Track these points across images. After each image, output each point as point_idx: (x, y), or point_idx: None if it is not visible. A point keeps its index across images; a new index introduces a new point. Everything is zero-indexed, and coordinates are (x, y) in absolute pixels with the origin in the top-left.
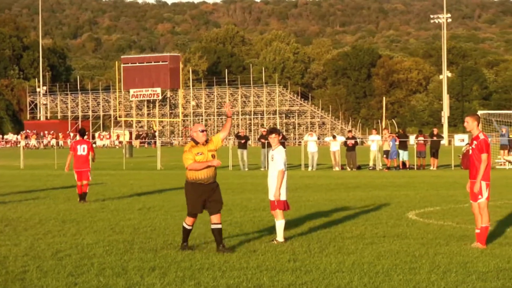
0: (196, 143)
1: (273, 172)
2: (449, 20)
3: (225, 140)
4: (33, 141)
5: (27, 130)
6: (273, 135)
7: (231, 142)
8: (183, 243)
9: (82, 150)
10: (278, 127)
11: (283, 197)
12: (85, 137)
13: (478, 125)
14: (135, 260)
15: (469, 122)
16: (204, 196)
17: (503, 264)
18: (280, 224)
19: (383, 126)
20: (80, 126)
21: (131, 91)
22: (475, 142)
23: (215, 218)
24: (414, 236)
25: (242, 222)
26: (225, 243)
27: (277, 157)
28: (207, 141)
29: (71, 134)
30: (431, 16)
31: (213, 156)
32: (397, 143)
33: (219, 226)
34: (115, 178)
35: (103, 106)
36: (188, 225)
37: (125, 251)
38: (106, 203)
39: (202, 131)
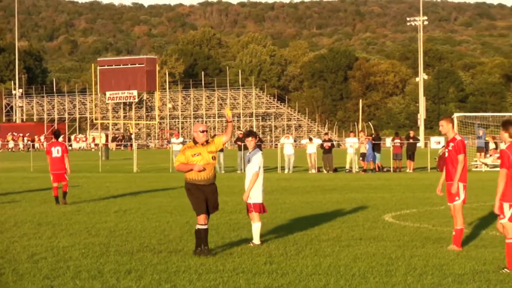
0: (196, 143)
1: (249, 174)
2: (426, 22)
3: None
4: (20, 144)
5: (13, 133)
6: (250, 138)
7: None
8: (204, 246)
9: (56, 152)
10: (255, 129)
11: (259, 200)
12: (60, 139)
13: (453, 127)
14: (111, 263)
15: (444, 125)
16: (205, 196)
17: (479, 266)
18: (256, 227)
19: (360, 129)
20: (56, 129)
21: (108, 93)
22: (451, 144)
23: None
24: (390, 239)
25: (219, 225)
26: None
27: (253, 159)
28: (207, 142)
29: (41, 139)
30: (408, 19)
31: (213, 158)
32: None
33: (206, 227)
34: (91, 180)
35: (79, 108)
36: (202, 225)
37: (101, 254)
38: (82, 205)
39: (203, 131)
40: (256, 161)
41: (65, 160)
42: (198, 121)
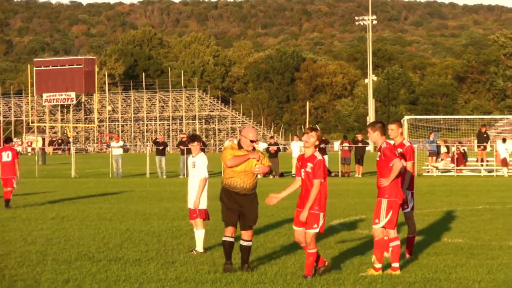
0: (240, 147)
1: (193, 179)
2: (375, 22)
3: (142, 146)
4: None
5: None
6: (195, 143)
7: (148, 148)
8: (227, 261)
9: (6, 156)
10: (198, 132)
11: (204, 206)
12: (11, 143)
13: (402, 132)
14: (48, 272)
15: (395, 129)
16: (238, 206)
17: (430, 274)
18: (200, 234)
19: None
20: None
21: (44, 95)
22: (399, 149)
23: (245, 234)
24: (338, 246)
25: (160, 232)
26: (143, 254)
27: (200, 163)
28: (254, 149)
29: None
30: (356, 18)
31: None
32: None
33: (249, 243)
34: (27, 186)
35: (14, 111)
36: (228, 236)
37: (38, 262)
38: (18, 212)
39: (252, 141)
40: (204, 166)
41: (15, 166)
42: (138, 124)
